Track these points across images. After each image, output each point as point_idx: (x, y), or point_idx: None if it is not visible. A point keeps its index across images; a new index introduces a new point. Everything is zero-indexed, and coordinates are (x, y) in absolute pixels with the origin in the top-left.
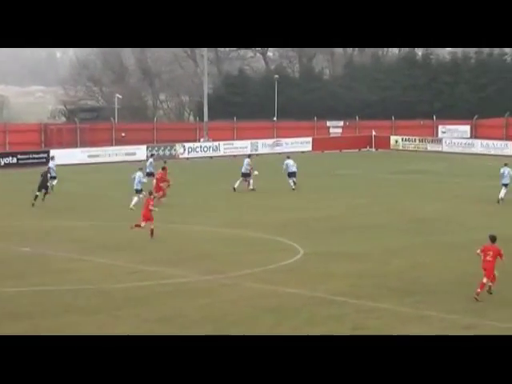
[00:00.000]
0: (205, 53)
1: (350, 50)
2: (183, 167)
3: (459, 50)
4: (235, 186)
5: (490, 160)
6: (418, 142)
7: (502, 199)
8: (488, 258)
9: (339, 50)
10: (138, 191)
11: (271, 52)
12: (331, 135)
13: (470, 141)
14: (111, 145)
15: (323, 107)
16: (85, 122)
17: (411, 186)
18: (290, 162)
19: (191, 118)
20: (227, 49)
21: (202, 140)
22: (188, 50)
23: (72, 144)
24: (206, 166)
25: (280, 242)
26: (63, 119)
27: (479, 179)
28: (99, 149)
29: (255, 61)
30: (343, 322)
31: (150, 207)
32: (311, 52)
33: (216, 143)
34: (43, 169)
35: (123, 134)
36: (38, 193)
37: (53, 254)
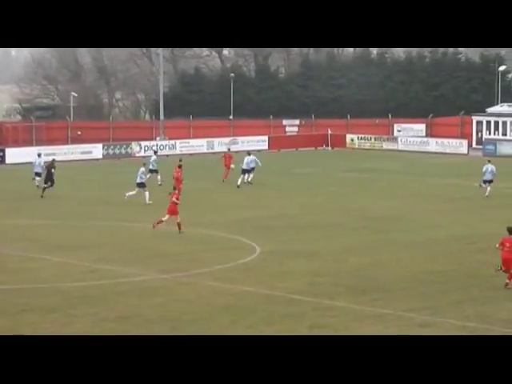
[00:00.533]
0: (160, 51)
1: (305, 48)
2: (139, 165)
3: (414, 49)
4: (238, 184)
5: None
6: (373, 140)
7: (487, 196)
8: (505, 249)
9: (295, 49)
10: (140, 185)
11: (227, 51)
12: (287, 134)
13: (426, 139)
14: (67, 143)
15: (279, 106)
16: (40, 121)
17: (367, 184)
18: (249, 158)
19: (147, 116)
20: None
21: (158, 138)
22: (143, 48)
23: (27, 142)
24: (162, 165)
25: (237, 240)
26: (18, 117)
27: (434, 178)
28: (55, 147)
29: (211, 59)
30: (300, 320)
31: (176, 200)
32: (267, 51)
33: (172, 142)
34: (47, 162)
35: (79, 133)
36: (45, 185)
37: (10, 253)
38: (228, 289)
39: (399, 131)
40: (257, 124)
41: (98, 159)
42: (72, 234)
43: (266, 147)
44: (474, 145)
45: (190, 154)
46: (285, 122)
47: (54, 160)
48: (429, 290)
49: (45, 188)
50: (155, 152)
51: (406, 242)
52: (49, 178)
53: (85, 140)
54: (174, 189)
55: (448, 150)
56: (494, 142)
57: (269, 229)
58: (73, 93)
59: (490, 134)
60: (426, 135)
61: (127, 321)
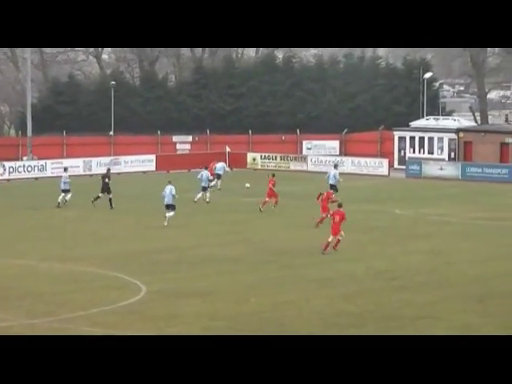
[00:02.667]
0: (28, 55)
1: (199, 51)
2: (2, 190)
3: (326, 53)
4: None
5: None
6: (279, 159)
7: None
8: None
9: (187, 52)
10: (204, 188)
11: (106, 54)
12: (178, 152)
13: (340, 158)
14: None
15: (168, 119)
16: None
17: (271, 211)
18: (167, 189)
19: (12, 132)
20: (54, 50)
21: (25, 158)
22: (8, 51)
23: None
24: (30, 189)
25: (118, 277)
26: None
27: (350, 203)
28: None
29: (88, 64)
30: None
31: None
32: (153, 54)
33: (42, 162)
34: (103, 172)
35: None
36: (100, 194)
37: None
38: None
39: (309, 149)
40: (142, 141)
41: None
42: None
43: (154, 168)
44: (395, 165)
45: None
46: (175, 138)
47: (109, 169)
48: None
49: (98, 197)
50: (65, 169)
51: (317, 278)
52: (105, 188)
53: None
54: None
55: (366, 171)
56: (418, 161)
57: (157, 264)
58: None
59: (414, 152)
60: (340, 154)
61: None
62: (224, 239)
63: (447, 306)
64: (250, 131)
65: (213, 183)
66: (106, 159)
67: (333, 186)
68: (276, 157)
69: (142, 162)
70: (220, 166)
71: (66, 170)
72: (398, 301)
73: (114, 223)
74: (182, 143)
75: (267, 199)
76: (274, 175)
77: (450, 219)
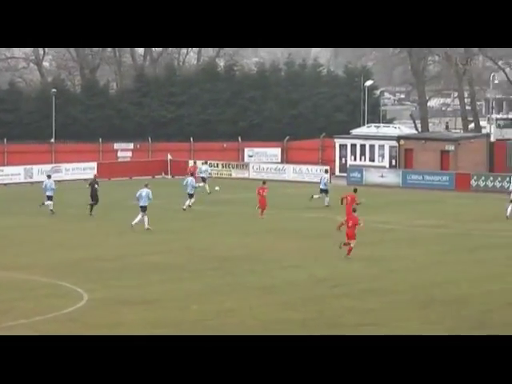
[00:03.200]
0: None
1: (140, 59)
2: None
3: (267, 60)
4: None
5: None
6: (221, 167)
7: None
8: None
9: (128, 60)
10: (190, 195)
11: (47, 62)
12: (119, 160)
13: (281, 166)
14: None
15: (110, 127)
16: None
17: (214, 218)
18: (144, 192)
19: None
20: None
21: None
22: None
23: None
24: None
25: (61, 286)
26: None
27: (292, 210)
28: None
29: (29, 72)
30: None
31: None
32: (95, 61)
33: None
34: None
35: None
36: (91, 202)
37: None
38: None
39: (251, 156)
40: (83, 148)
41: None
42: None
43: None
44: (337, 172)
45: (5, 184)
46: (116, 145)
47: (95, 176)
48: None
49: (92, 206)
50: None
51: (259, 285)
52: (94, 196)
53: None
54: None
55: (307, 179)
56: (359, 168)
57: (100, 272)
58: None
59: (355, 159)
60: (282, 161)
61: None
62: (167, 247)
63: (390, 313)
64: (192, 139)
65: (200, 184)
66: (47, 167)
67: (323, 190)
68: (218, 164)
69: (84, 170)
70: (204, 169)
71: (49, 177)
72: (341, 308)
73: (59, 231)
74: (124, 151)
75: (259, 207)
76: (264, 182)
77: (391, 226)
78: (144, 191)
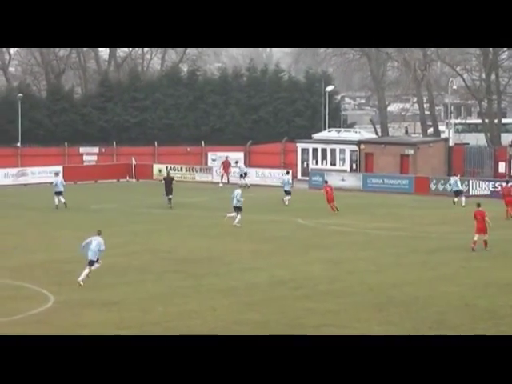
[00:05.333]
0: None
1: (104, 65)
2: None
3: (230, 67)
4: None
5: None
6: (184, 171)
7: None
8: None
9: (92, 65)
10: (236, 208)
11: (13, 67)
12: (85, 163)
13: (246, 170)
14: None
15: (75, 131)
16: None
17: (176, 221)
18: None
19: None
20: None
21: None
22: None
23: None
24: None
25: (26, 288)
26: None
27: (254, 213)
28: None
29: None
30: None
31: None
32: (60, 67)
33: None
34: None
35: None
36: (168, 196)
37: None
38: None
39: (214, 160)
40: (49, 152)
41: None
42: None
43: (61, 179)
44: (299, 176)
45: None
46: (82, 149)
47: (168, 172)
48: None
49: (170, 199)
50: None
51: (221, 287)
52: (169, 190)
53: None
54: (479, 205)
55: (269, 182)
56: (321, 172)
57: (64, 274)
58: None
59: (316, 163)
60: (245, 165)
61: None
62: (129, 249)
63: (349, 315)
64: (156, 143)
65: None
66: (13, 170)
67: (286, 192)
68: (182, 168)
69: (50, 173)
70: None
71: (57, 174)
72: (302, 309)
73: (19, 234)
74: (89, 154)
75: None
76: (478, 205)
77: (351, 229)
78: (95, 241)
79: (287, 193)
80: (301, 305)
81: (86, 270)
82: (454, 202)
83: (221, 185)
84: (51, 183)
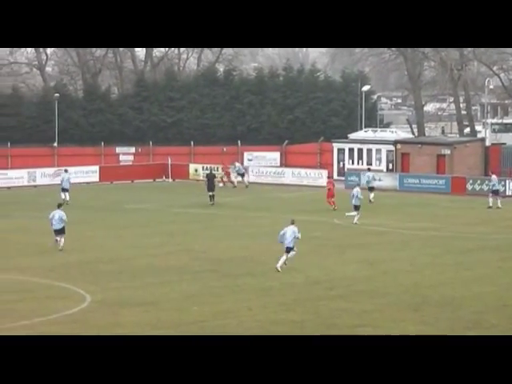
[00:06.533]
0: None
1: (141, 65)
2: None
3: (266, 66)
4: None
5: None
6: (220, 171)
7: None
8: None
9: (129, 65)
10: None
11: (50, 67)
12: (121, 163)
13: (280, 170)
14: None
15: (111, 131)
16: None
17: (211, 221)
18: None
19: None
20: None
21: None
22: None
23: None
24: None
25: (62, 287)
26: None
27: (290, 213)
28: None
29: (31, 77)
30: None
31: None
32: (96, 66)
33: None
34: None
35: None
36: (210, 193)
37: None
38: None
39: (250, 160)
40: (86, 152)
41: None
42: None
43: (97, 179)
44: (335, 176)
45: (8, 188)
46: (118, 149)
47: (211, 169)
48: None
49: (210, 196)
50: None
51: (257, 287)
52: (211, 187)
53: None
54: None
55: (306, 182)
56: (357, 172)
57: (99, 274)
58: None
59: (352, 163)
60: (281, 165)
61: None
62: (165, 249)
63: (385, 315)
64: (192, 143)
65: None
66: (49, 170)
67: (370, 188)
68: (217, 168)
69: (86, 173)
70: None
71: (66, 171)
72: (337, 309)
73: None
74: (125, 154)
75: None
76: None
77: (386, 229)
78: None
79: (371, 189)
80: (336, 305)
81: (284, 257)
82: (489, 207)
83: (221, 184)
84: (61, 180)
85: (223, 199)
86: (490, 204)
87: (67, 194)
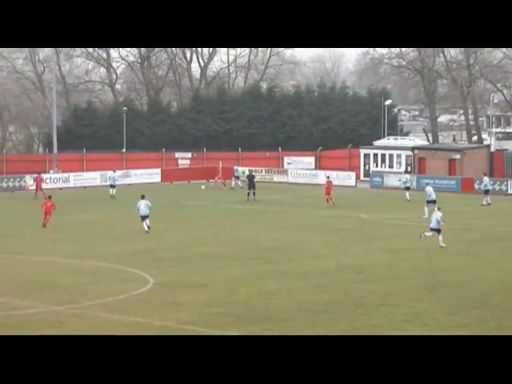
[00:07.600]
0: (53, 85)
1: (196, 83)
2: (32, 198)
3: (303, 84)
4: None
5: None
6: (264, 172)
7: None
8: None
9: (187, 83)
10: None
11: (119, 85)
12: (180, 166)
13: (315, 172)
14: None
15: (171, 139)
16: None
17: (257, 215)
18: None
19: (40, 149)
20: (76, 81)
21: (51, 171)
22: (36, 82)
23: None
24: (55, 198)
25: (130, 272)
26: None
27: (323, 209)
28: None
29: (103, 93)
30: None
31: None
32: (159, 84)
33: (66, 175)
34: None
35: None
36: (248, 191)
37: None
38: (121, 320)
39: (289, 164)
40: (149, 157)
41: None
42: None
43: (159, 180)
44: (361, 177)
45: (84, 187)
46: (177, 155)
47: (250, 170)
48: (318, 319)
49: (249, 193)
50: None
51: (295, 272)
52: (252, 185)
53: None
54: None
55: (336, 182)
56: (380, 174)
57: (161, 260)
58: None
59: (377, 166)
60: (315, 168)
61: None
62: (217, 239)
63: (404, 296)
64: (240, 149)
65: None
66: (119, 172)
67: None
68: (261, 170)
69: (149, 175)
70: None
71: (114, 171)
72: (364, 291)
73: (122, 226)
74: (183, 159)
75: None
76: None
77: (406, 223)
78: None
79: (407, 189)
80: (362, 287)
81: (440, 237)
82: (482, 205)
83: (220, 181)
84: (109, 178)
85: (266, 197)
86: (484, 202)
87: (114, 189)
